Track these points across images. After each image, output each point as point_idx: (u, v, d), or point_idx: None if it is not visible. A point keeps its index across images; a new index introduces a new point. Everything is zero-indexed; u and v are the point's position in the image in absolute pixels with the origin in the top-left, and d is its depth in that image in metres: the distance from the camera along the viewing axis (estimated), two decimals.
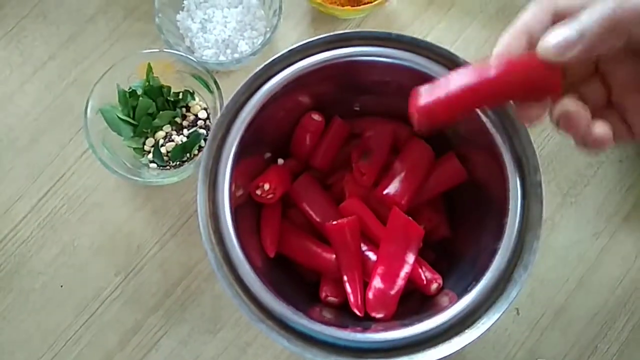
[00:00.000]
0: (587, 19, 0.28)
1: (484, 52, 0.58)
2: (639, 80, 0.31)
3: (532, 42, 0.30)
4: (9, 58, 0.58)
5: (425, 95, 0.31)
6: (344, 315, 0.42)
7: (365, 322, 0.40)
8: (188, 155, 0.53)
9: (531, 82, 0.30)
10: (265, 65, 0.40)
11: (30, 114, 0.56)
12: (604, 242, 0.54)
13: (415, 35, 0.40)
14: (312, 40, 0.40)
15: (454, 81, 0.30)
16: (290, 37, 0.58)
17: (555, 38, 0.28)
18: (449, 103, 0.30)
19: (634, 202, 0.55)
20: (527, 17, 0.31)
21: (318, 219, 0.45)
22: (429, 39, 0.40)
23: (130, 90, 0.52)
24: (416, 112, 0.31)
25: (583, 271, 0.53)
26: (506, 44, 0.31)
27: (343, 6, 0.55)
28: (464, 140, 0.43)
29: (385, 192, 0.43)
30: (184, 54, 0.52)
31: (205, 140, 0.53)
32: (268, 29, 0.56)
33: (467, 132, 0.42)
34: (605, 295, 0.53)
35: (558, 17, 0.30)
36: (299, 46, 0.40)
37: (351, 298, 0.41)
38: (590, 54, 0.28)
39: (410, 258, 0.41)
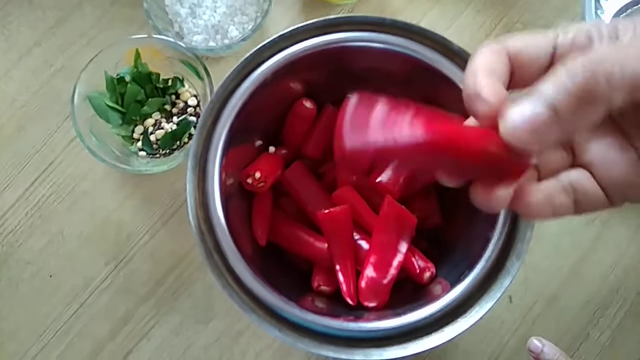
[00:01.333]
0: (554, 88, 0.22)
1: (478, 39, 0.58)
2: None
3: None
4: None
5: (352, 135, 0.24)
6: (336, 304, 0.41)
7: (358, 311, 0.40)
8: (178, 143, 0.52)
9: (490, 160, 0.24)
10: (255, 51, 0.39)
11: (17, 100, 0.55)
12: (597, 229, 0.54)
13: (408, 21, 0.39)
14: (303, 25, 0.39)
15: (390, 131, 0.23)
16: (282, 23, 0.57)
17: (520, 115, 0.22)
18: (376, 154, 0.24)
19: None
20: (482, 59, 0.25)
21: (310, 208, 0.44)
22: (422, 25, 0.39)
23: (118, 76, 0.51)
24: (338, 154, 0.24)
25: (576, 259, 0.53)
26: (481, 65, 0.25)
27: None
28: None
29: (378, 180, 0.43)
30: (172, 40, 0.51)
31: (195, 127, 0.52)
32: (259, 14, 0.55)
33: None
34: (597, 282, 0.53)
35: (512, 60, 0.26)
36: (289, 31, 0.39)
37: (343, 287, 0.41)
38: (566, 135, 0.23)
39: (403, 247, 0.41)
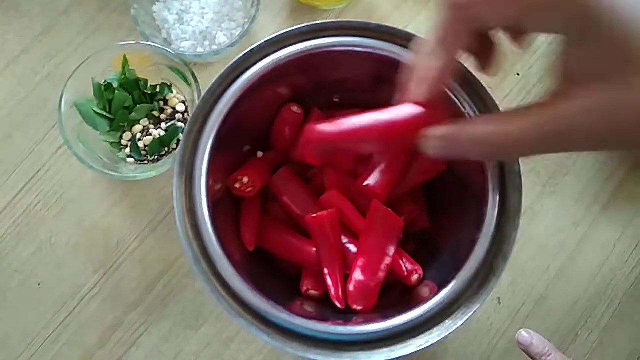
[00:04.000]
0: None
1: None
2: None
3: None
4: None
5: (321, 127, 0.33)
6: (325, 308, 0.41)
7: (347, 314, 0.40)
8: (166, 149, 0.52)
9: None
10: (241, 57, 0.39)
11: (4, 108, 0.55)
12: (584, 231, 0.54)
13: (394, 26, 0.40)
14: (289, 31, 0.39)
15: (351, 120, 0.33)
16: (269, 29, 0.58)
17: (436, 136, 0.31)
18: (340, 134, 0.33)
19: (613, 191, 0.55)
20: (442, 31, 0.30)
21: (298, 212, 0.44)
22: (408, 30, 0.39)
23: (106, 83, 0.51)
24: (307, 138, 0.33)
25: (563, 260, 0.54)
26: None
27: None
28: None
29: (365, 183, 0.43)
30: (160, 46, 0.51)
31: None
32: (246, 20, 0.55)
33: None
34: (584, 283, 0.53)
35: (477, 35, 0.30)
36: (275, 37, 0.39)
37: (332, 291, 0.41)
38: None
39: (391, 250, 0.41)
